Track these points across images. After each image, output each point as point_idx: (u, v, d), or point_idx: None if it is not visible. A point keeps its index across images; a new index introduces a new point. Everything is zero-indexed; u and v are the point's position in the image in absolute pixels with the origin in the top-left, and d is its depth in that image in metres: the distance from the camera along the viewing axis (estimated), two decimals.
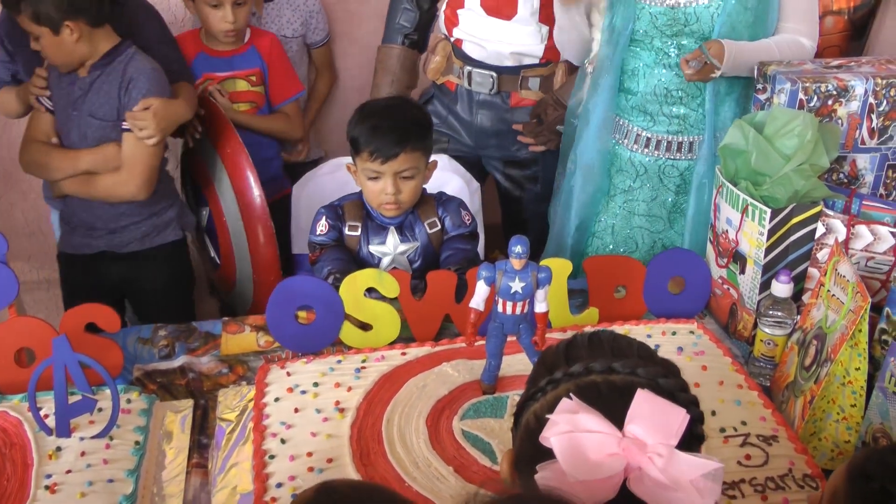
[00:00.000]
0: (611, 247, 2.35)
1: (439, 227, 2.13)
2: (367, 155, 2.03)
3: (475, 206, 2.46)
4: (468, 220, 2.14)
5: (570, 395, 0.97)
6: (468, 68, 2.60)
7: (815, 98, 1.89)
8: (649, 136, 2.22)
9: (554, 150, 2.62)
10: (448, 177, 2.40)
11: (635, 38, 2.14)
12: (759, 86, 1.98)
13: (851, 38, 2.87)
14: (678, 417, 0.94)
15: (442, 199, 2.16)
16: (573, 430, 0.92)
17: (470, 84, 2.61)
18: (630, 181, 2.28)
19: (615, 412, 0.94)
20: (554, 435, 0.93)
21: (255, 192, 2.44)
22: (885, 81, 1.88)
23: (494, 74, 2.57)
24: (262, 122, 2.72)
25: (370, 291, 1.85)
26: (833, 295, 1.56)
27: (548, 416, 0.96)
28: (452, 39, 2.62)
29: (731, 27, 2.05)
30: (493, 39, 2.53)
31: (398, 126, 2.04)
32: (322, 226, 2.13)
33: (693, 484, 0.90)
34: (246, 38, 2.69)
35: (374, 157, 2.02)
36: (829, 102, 1.89)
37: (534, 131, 2.59)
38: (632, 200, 2.30)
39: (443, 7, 2.65)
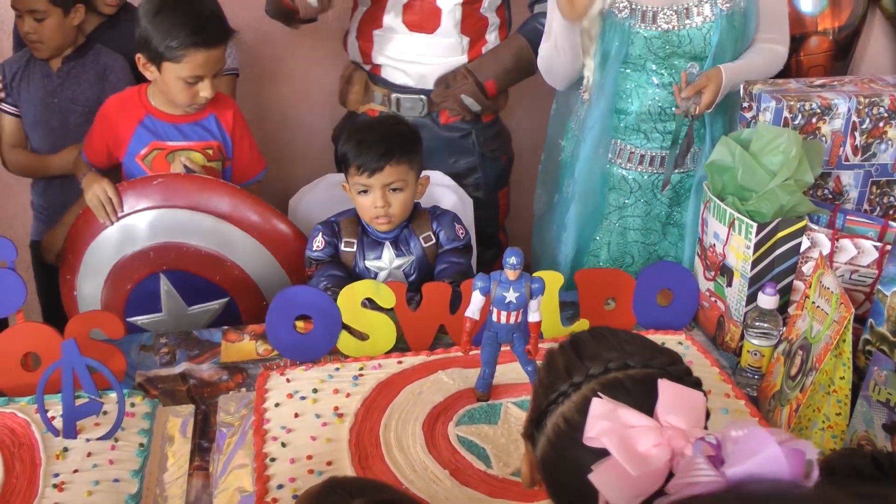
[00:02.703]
0: (607, 262, 2.40)
1: (434, 241, 2.17)
2: (354, 169, 2.08)
3: (468, 219, 2.49)
4: (462, 233, 2.18)
5: (599, 394, 1.01)
6: (395, 95, 2.61)
7: (800, 116, 1.94)
8: (643, 153, 2.28)
9: (489, 153, 2.68)
10: (441, 192, 2.44)
11: (628, 61, 2.20)
12: (745, 104, 2.04)
13: (836, 57, 2.94)
14: (700, 400, 1.01)
15: (436, 214, 2.20)
16: (618, 427, 0.97)
17: (399, 110, 2.62)
18: (624, 198, 2.34)
19: (644, 404, 0.99)
20: (603, 434, 0.97)
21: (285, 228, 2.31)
22: (867, 100, 1.94)
23: (424, 97, 2.60)
24: None
25: (367, 302, 1.89)
26: (818, 306, 1.62)
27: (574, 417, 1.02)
28: (368, 67, 2.64)
29: (720, 47, 2.13)
30: (414, 60, 2.57)
31: (383, 139, 2.08)
32: (318, 242, 2.16)
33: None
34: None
35: (362, 171, 2.06)
36: (814, 120, 1.95)
37: (440, 96, 2.60)
38: (626, 217, 2.35)
39: (352, 35, 2.65)
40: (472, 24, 2.55)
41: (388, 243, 2.15)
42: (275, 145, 3.08)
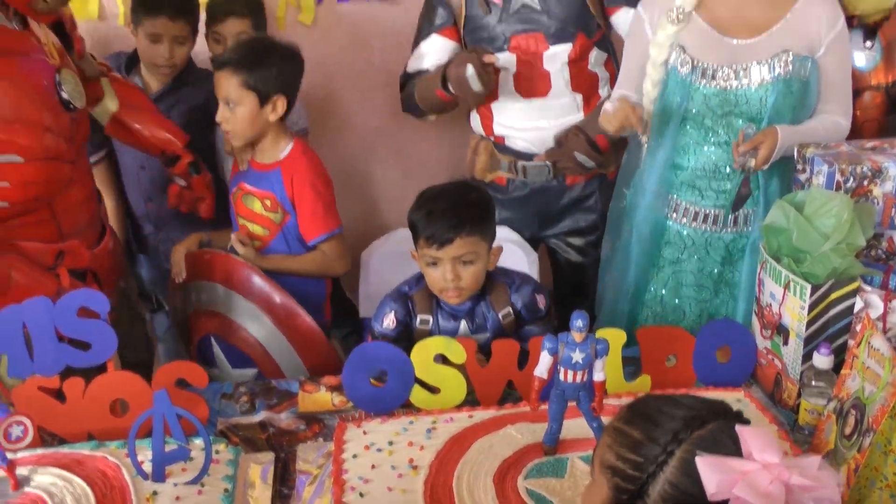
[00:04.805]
0: (660, 315, 2.48)
1: (513, 316, 2.15)
2: (423, 241, 2.05)
3: (534, 275, 2.57)
4: (543, 304, 2.16)
5: (698, 453, 1.13)
6: (521, 163, 2.71)
7: (852, 179, 2.02)
8: (697, 209, 2.36)
9: (602, 211, 2.73)
10: (507, 248, 2.44)
11: (687, 117, 2.30)
12: (799, 166, 2.12)
13: (890, 111, 3.00)
14: (774, 435, 1.16)
15: (515, 285, 2.15)
16: (735, 476, 1.09)
17: (526, 177, 2.72)
18: (678, 253, 2.42)
19: (736, 451, 1.12)
20: (727, 486, 1.09)
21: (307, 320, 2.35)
22: None
23: (549, 164, 2.70)
24: (293, 263, 2.46)
25: (439, 357, 1.99)
26: (868, 367, 1.69)
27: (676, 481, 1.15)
28: (492, 138, 2.74)
29: (776, 110, 2.22)
30: (533, 126, 2.67)
31: (453, 209, 2.05)
32: (389, 320, 2.13)
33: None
34: (284, 153, 2.45)
35: (431, 243, 2.03)
36: (865, 183, 2.02)
37: (554, 155, 2.69)
38: (680, 272, 2.44)
39: (473, 110, 2.76)
40: (582, 81, 2.65)
41: (464, 320, 2.14)
42: (344, 198, 3.21)
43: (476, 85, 2.48)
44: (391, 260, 2.55)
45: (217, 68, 2.39)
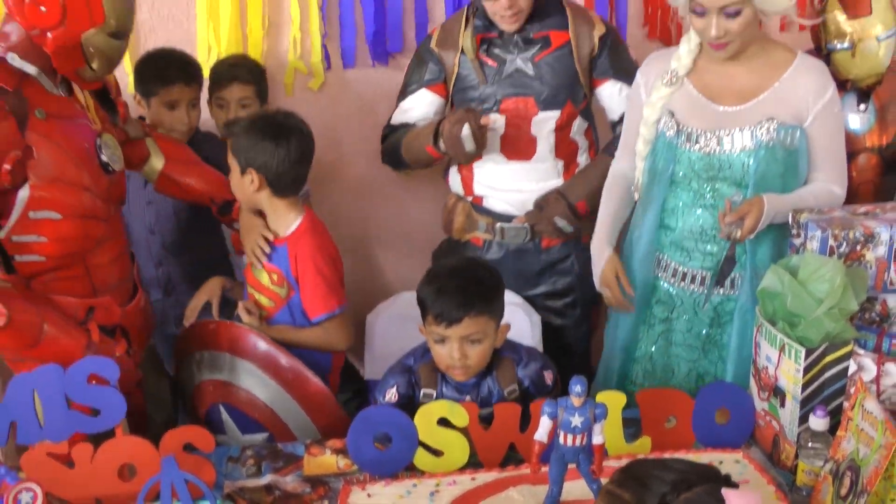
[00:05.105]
0: (651, 373, 2.52)
1: (518, 392, 2.15)
2: (432, 318, 2.05)
3: (536, 337, 2.61)
4: (550, 380, 2.16)
5: None
6: (500, 224, 2.75)
7: (845, 244, 2.07)
8: (685, 270, 2.41)
9: (587, 273, 2.72)
10: (511, 310, 2.45)
11: (675, 180, 2.36)
12: (794, 231, 2.17)
13: (885, 172, 3.06)
14: (755, 497, 1.23)
15: (523, 362, 2.16)
16: None
17: (504, 238, 2.76)
18: (668, 312, 2.47)
19: None
20: None
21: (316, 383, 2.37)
22: None
23: (528, 226, 2.73)
24: (296, 336, 2.45)
25: (442, 420, 2.02)
26: (862, 430, 1.72)
27: None
28: (471, 198, 2.78)
29: (762, 175, 2.26)
30: (514, 188, 2.72)
31: (463, 288, 2.06)
32: (391, 394, 2.14)
33: None
34: (290, 229, 2.44)
35: (439, 321, 2.04)
36: (858, 248, 2.07)
37: (533, 218, 2.73)
38: (669, 331, 2.48)
39: (453, 168, 2.81)
40: (565, 148, 2.71)
41: (469, 395, 2.14)
42: (351, 260, 3.26)
43: (470, 145, 2.53)
44: (397, 322, 2.59)
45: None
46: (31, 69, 2.09)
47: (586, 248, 2.71)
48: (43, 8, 2.01)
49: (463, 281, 2.09)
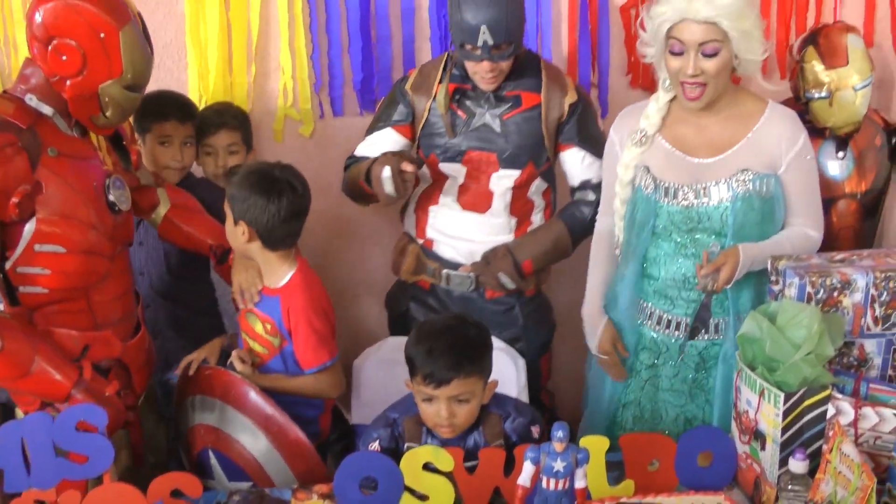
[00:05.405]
0: (639, 418, 2.55)
1: (505, 446, 2.11)
2: (420, 378, 2.05)
3: (522, 381, 2.63)
4: (537, 433, 2.16)
5: None
6: (446, 271, 2.80)
7: (822, 290, 2.11)
8: (670, 317, 2.45)
9: (532, 324, 2.84)
10: (494, 355, 2.36)
11: (656, 231, 2.40)
12: (773, 278, 2.22)
13: (865, 218, 3.12)
14: None
15: (510, 417, 2.16)
16: None
17: (448, 284, 2.81)
18: (654, 359, 2.50)
19: None
20: None
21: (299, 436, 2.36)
22: (883, 275, 2.11)
23: (473, 276, 2.77)
24: (287, 384, 2.48)
25: (428, 464, 2.04)
26: (840, 472, 1.76)
27: None
28: (422, 241, 2.83)
29: (740, 225, 2.31)
30: (464, 237, 2.76)
31: (452, 349, 2.05)
32: (373, 448, 2.14)
33: None
34: (283, 281, 2.47)
35: (428, 382, 2.04)
36: (835, 294, 2.11)
37: (478, 269, 2.76)
38: (656, 377, 2.51)
39: (410, 208, 2.86)
40: (520, 207, 2.76)
41: None
42: (340, 306, 3.28)
43: (388, 187, 2.56)
44: (384, 368, 2.61)
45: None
46: (47, 109, 2.19)
47: (530, 301, 2.82)
48: (64, 57, 2.13)
49: (453, 341, 2.09)
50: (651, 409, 2.53)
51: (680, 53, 2.25)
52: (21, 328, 2.15)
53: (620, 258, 2.51)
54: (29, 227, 2.14)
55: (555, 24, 3.14)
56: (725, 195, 2.32)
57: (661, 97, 2.39)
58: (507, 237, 2.77)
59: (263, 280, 2.48)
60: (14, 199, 2.09)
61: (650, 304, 2.47)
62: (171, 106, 2.84)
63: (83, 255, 2.20)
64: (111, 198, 2.27)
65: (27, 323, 2.18)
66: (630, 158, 2.39)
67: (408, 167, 2.56)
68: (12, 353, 2.11)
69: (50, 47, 2.12)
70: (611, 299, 2.54)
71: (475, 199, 2.74)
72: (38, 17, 2.13)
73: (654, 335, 2.48)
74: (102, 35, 2.13)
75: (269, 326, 2.47)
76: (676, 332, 2.45)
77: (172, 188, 2.69)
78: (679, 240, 2.38)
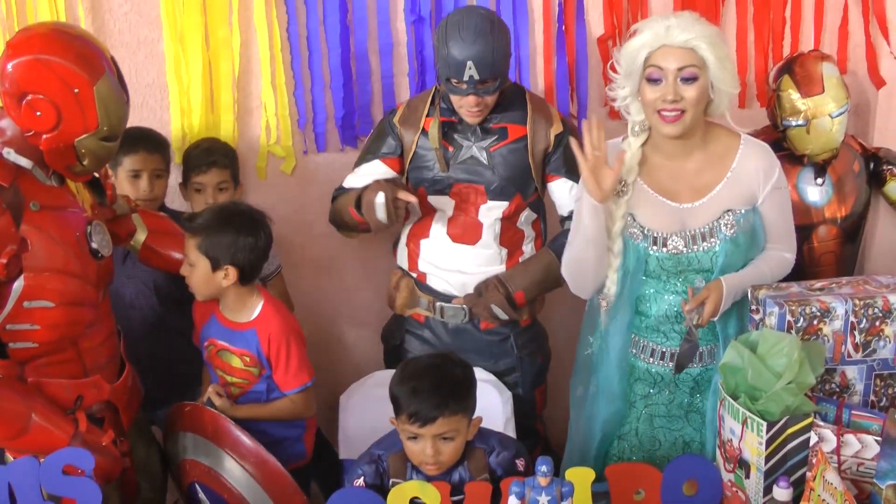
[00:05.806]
0: (637, 446, 2.55)
1: (490, 480, 2.10)
2: (405, 417, 2.06)
3: (507, 413, 2.64)
4: (522, 467, 2.16)
5: None
6: (439, 303, 2.82)
7: (802, 319, 2.14)
8: (664, 350, 2.46)
9: (527, 354, 2.86)
10: (481, 387, 2.39)
11: (646, 274, 2.41)
12: (753, 307, 2.24)
13: (845, 242, 3.15)
14: None
15: (495, 452, 2.17)
16: None
17: (443, 316, 2.83)
18: (649, 388, 2.51)
19: None
20: None
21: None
22: (862, 302, 2.14)
23: (466, 307, 2.79)
24: (264, 411, 2.56)
25: (415, 500, 2.03)
26: (823, 500, 1.77)
27: None
28: (415, 274, 2.85)
29: (727, 263, 2.34)
30: (456, 269, 2.78)
31: (437, 388, 2.07)
32: (357, 484, 2.15)
33: None
34: (255, 313, 2.55)
35: (413, 421, 2.05)
36: (815, 322, 2.14)
37: (471, 301, 2.78)
38: (651, 405, 2.52)
39: (401, 242, 2.89)
40: (510, 237, 2.78)
41: None
42: (325, 340, 3.29)
43: (381, 214, 2.58)
44: (370, 402, 2.61)
45: (183, 227, 2.54)
46: (25, 163, 2.17)
47: (525, 331, 2.84)
48: (38, 113, 2.08)
49: (438, 380, 2.11)
50: (649, 436, 2.54)
51: (658, 80, 2.27)
52: (14, 387, 2.13)
53: (610, 309, 2.47)
54: (17, 285, 2.12)
55: (531, 57, 3.18)
56: (713, 240, 2.35)
57: (632, 143, 2.39)
58: (499, 268, 2.79)
59: (233, 316, 2.54)
60: (2, 261, 2.06)
61: (644, 339, 2.48)
62: (139, 138, 2.84)
63: (71, 306, 2.19)
64: (94, 245, 2.26)
65: (19, 380, 2.16)
66: (615, 208, 2.38)
67: (404, 195, 2.60)
68: (8, 413, 2.11)
69: (23, 103, 2.08)
70: (602, 346, 2.52)
71: (465, 230, 2.76)
72: (9, 72, 2.07)
73: (648, 367, 2.49)
74: (76, 90, 2.08)
75: (247, 359, 2.51)
76: (671, 363, 2.46)
77: (146, 212, 2.69)
78: (669, 279, 2.40)
